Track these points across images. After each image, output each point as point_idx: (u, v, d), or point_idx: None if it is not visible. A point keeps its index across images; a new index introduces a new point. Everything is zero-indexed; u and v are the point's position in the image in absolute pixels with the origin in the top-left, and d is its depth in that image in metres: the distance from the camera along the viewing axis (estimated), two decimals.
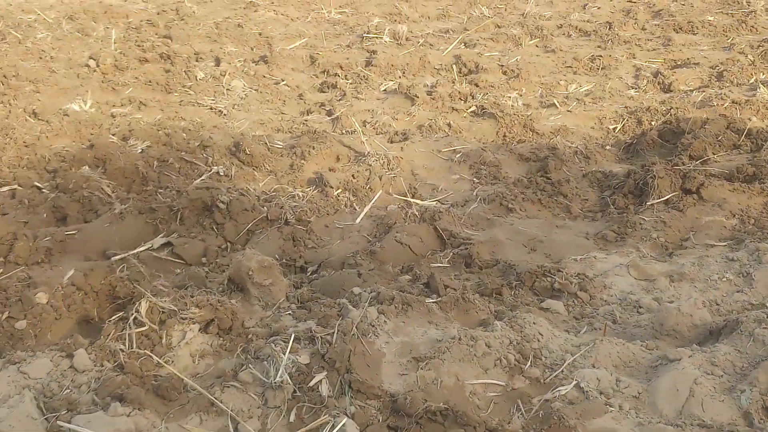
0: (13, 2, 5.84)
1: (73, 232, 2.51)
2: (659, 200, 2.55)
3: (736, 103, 3.42)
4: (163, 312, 1.81)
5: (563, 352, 1.81)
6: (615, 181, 2.78)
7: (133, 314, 1.79)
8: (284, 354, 1.70)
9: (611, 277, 2.21)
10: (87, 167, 2.85)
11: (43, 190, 2.75)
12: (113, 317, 1.84)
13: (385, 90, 4.05)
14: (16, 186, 2.77)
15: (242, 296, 2.03)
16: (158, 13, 5.54)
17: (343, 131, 3.45)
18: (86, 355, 1.72)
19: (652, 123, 3.36)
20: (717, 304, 2.03)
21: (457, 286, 2.09)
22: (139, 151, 2.99)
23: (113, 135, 3.17)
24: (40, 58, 4.38)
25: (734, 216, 2.47)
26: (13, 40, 4.68)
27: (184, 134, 3.16)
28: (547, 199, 2.74)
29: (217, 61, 4.33)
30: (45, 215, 2.63)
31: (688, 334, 1.91)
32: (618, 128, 3.39)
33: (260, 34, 4.96)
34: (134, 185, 2.83)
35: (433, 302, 1.97)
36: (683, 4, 5.50)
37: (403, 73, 4.31)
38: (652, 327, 1.94)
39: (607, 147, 3.18)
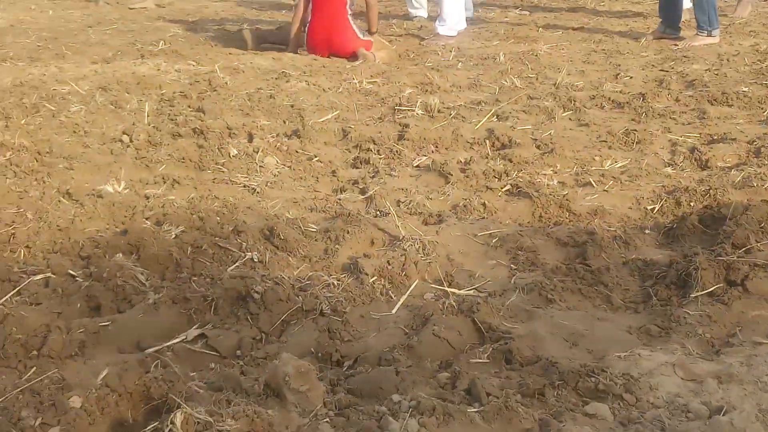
0: (47, 72, 5.91)
1: (107, 323, 2.48)
2: (703, 292, 2.49)
3: None
4: (198, 423, 1.77)
5: None
6: (656, 271, 2.72)
7: (168, 426, 1.75)
8: None
9: (657, 377, 2.14)
10: (121, 254, 2.83)
11: (77, 279, 2.74)
12: (147, 428, 1.80)
13: (418, 166, 4.03)
14: (50, 274, 2.75)
15: (279, 402, 1.98)
16: (191, 84, 5.58)
17: (377, 212, 3.42)
18: None
19: (691, 204, 3.30)
20: None
21: (499, 392, 2.03)
22: (173, 236, 2.97)
23: (147, 219, 3.16)
24: (74, 132, 4.41)
25: None
26: (47, 113, 4.72)
27: (218, 217, 3.15)
28: (587, 288, 2.68)
29: (250, 137, 4.33)
30: (79, 305, 2.61)
31: None
32: (656, 209, 3.33)
33: (292, 106, 4.97)
34: (168, 272, 2.81)
35: (475, 411, 1.91)
36: (716, 74, 5.47)
37: (436, 147, 4.29)
38: None
39: (646, 230, 3.12)
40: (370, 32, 6.86)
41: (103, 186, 3.52)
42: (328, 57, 6.62)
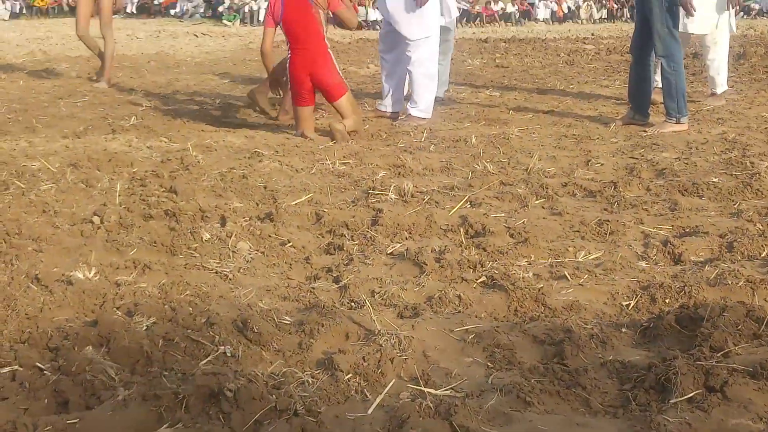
0: (17, 147, 5.86)
1: (75, 420, 2.40)
2: (682, 398, 2.47)
3: (751, 282, 3.38)
4: None
5: None
6: (635, 374, 2.69)
7: None
8: None
9: None
10: (90, 347, 2.77)
11: (45, 372, 2.66)
12: None
13: (391, 253, 4.00)
14: (17, 367, 2.68)
15: None
16: (163, 162, 5.56)
17: (352, 303, 3.38)
18: None
19: (666, 301, 3.30)
20: None
21: None
22: (144, 328, 2.91)
23: (117, 308, 3.10)
24: (44, 211, 4.35)
25: (761, 419, 2.38)
26: (16, 191, 4.67)
27: (190, 308, 3.10)
28: (565, 390, 2.65)
29: (223, 220, 4.30)
30: (46, 400, 2.53)
31: None
32: (631, 305, 3.33)
33: (265, 188, 4.96)
34: (138, 366, 2.74)
35: None
36: (686, 163, 5.54)
37: (410, 233, 4.28)
38: None
39: (623, 329, 3.10)
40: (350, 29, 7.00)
41: (73, 272, 3.46)
42: (311, 89, 6.70)
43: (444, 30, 8.68)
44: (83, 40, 9.92)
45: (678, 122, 6.78)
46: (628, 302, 3.37)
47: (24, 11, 35.09)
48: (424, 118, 7.42)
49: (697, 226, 4.23)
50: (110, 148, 5.91)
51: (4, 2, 34.30)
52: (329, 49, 6.76)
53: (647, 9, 6.74)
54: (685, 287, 3.38)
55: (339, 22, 7.09)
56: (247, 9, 31.81)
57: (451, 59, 9.28)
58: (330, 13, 6.85)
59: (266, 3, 32.46)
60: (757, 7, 33.37)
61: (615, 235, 4.18)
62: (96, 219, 4.21)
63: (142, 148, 6.01)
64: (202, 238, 4.01)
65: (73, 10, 36.18)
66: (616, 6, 34.22)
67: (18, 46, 16.79)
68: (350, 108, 6.82)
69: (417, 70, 7.37)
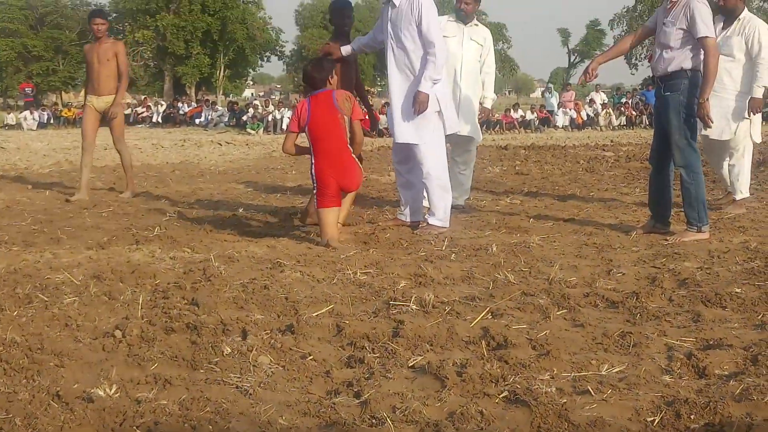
0: (42, 259, 5.93)
1: None
2: None
3: None
4: None
5: None
6: None
7: None
8: None
9: None
10: None
11: None
12: None
13: (413, 366, 3.98)
14: None
15: None
16: (185, 273, 5.60)
17: (372, 419, 3.35)
18: None
19: (692, 417, 3.25)
20: None
21: None
22: None
23: (137, 427, 3.09)
24: (66, 325, 4.38)
25: None
26: (39, 305, 4.71)
27: (210, 426, 3.08)
28: None
29: (244, 334, 4.30)
30: None
31: None
32: (656, 421, 3.27)
33: (287, 299, 4.97)
34: None
35: None
36: (709, 273, 5.52)
37: (431, 345, 4.26)
38: None
39: None
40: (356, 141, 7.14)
41: (93, 389, 3.46)
42: (337, 191, 6.90)
43: (466, 140, 8.82)
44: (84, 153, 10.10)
45: (699, 231, 6.79)
46: (652, 418, 3.31)
47: (51, 121, 35.96)
48: (443, 227, 7.46)
49: (721, 339, 4.19)
50: (133, 259, 5.97)
51: (32, 113, 35.19)
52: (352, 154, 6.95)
53: (665, 119, 6.82)
54: (710, 402, 3.33)
55: (350, 130, 7.23)
56: (270, 118, 32.45)
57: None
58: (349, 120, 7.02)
59: (289, 111, 33.06)
60: None
61: (638, 347, 4.14)
62: (118, 333, 4.23)
63: (165, 258, 6.07)
64: (223, 352, 4.01)
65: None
66: (635, 113, 34.59)
67: (45, 156, 17.15)
68: (351, 198, 7.13)
69: (431, 182, 7.45)
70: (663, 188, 7.14)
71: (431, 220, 7.53)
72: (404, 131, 7.33)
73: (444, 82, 7.52)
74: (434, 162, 7.45)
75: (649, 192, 7.39)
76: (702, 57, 6.66)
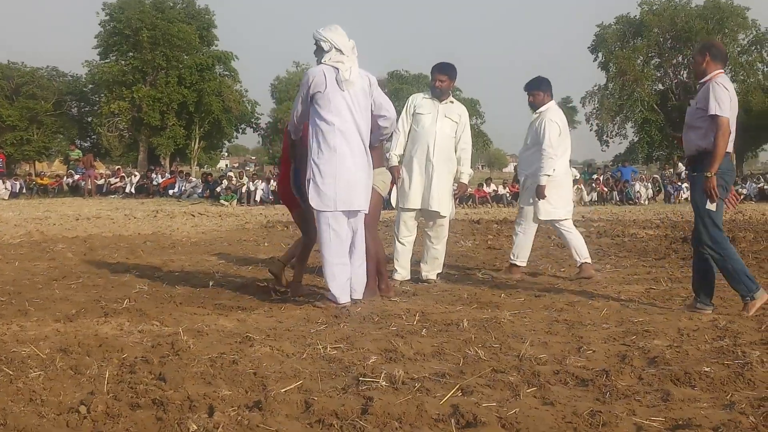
0: (8, 332, 5.86)
1: None
2: None
3: None
4: None
5: None
6: None
7: None
8: None
9: None
10: None
11: None
12: None
13: None
14: None
15: None
16: (153, 347, 5.54)
17: None
18: None
19: None
20: None
21: None
22: None
23: None
24: (31, 399, 4.31)
25: None
26: (4, 379, 4.64)
27: None
28: None
29: (211, 410, 4.25)
30: None
31: None
32: None
33: (255, 374, 4.92)
34: None
35: None
36: (678, 351, 5.53)
37: (400, 423, 4.22)
38: None
39: None
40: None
41: None
42: None
43: (437, 215, 8.88)
44: None
45: (753, 299, 6.85)
46: None
47: (24, 191, 35.81)
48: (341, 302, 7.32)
49: (689, 419, 4.19)
50: (101, 332, 5.91)
51: (4, 182, 35.05)
52: None
53: (692, 198, 7.07)
54: None
55: None
56: (244, 189, 32.50)
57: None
58: None
59: (263, 183, 33.06)
60: (744, 192, 34.21)
61: (607, 426, 4.13)
62: (83, 408, 4.16)
63: (133, 332, 6.01)
64: (189, 429, 3.95)
65: (73, 190, 36.90)
66: (605, 189, 34.99)
67: (16, 225, 17.05)
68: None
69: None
70: (705, 270, 7.14)
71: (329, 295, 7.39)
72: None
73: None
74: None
75: (692, 273, 7.38)
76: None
